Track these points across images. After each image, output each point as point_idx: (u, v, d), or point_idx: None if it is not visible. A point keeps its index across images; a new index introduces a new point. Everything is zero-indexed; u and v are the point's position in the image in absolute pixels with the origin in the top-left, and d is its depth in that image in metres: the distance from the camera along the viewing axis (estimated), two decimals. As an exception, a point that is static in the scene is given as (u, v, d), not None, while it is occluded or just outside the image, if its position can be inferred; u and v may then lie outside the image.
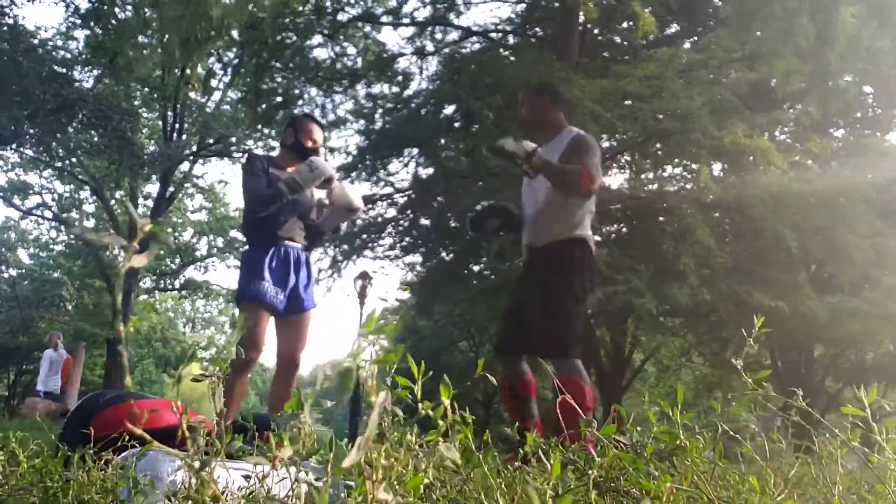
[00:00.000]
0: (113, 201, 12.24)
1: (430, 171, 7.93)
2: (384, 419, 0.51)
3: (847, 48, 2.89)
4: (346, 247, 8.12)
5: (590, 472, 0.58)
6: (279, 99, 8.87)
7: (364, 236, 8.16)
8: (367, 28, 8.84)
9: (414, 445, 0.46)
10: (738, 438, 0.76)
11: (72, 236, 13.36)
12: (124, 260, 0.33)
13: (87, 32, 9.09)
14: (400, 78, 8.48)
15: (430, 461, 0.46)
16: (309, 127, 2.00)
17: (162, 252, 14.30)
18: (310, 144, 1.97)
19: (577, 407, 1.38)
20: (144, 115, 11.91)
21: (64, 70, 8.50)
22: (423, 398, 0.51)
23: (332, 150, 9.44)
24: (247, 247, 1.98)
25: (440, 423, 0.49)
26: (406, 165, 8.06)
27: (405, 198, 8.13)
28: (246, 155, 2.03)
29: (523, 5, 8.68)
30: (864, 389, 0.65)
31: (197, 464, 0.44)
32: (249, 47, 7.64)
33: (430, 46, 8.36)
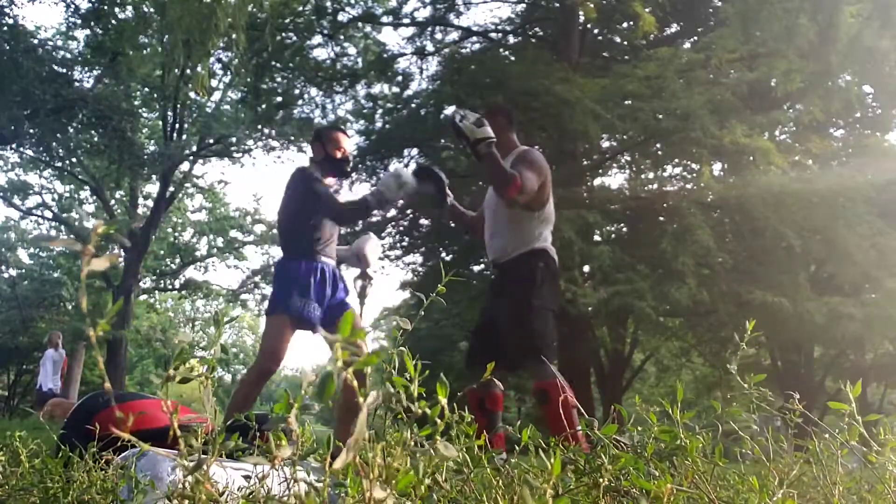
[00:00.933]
0: (113, 201, 12.25)
1: (430, 171, 7.91)
2: (384, 419, 0.51)
3: (849, 48, 2.89)
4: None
5: (595, 473, 0.58)
6: (279, 99, 8.86)
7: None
8: (368, 28, 8.84)
9: (410, 444, 0.46)
10: (739, 438, 0.76)
11: (73, 236, 13.35)
12: (83, 264, 0.34)
13: (87, 32, 9.09)
14: (400, 78, 8.48)
15: (428, 461, 0.46)
16: (336, 137, 1.97)
17: (162, 252, 14.32)
18: (339, 155, 1.95)
19: (570, 409, 1.41)
20: (144, 115, 11.91)
21: (64, 70, 8.49)
22: (422, 398, 0.50)
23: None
24: (282, 258, 1.93)
25: (437, 421, 0.49)
26: (406, 166, 8.06)
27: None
28: (297, 168, 1.94)
29: (523, 5, 8.67)
30: (848, 386, 0.65)
31: (190, 463, 0.44)
32: (250, 47, 7.64)
33: (430, 47, 8.37)
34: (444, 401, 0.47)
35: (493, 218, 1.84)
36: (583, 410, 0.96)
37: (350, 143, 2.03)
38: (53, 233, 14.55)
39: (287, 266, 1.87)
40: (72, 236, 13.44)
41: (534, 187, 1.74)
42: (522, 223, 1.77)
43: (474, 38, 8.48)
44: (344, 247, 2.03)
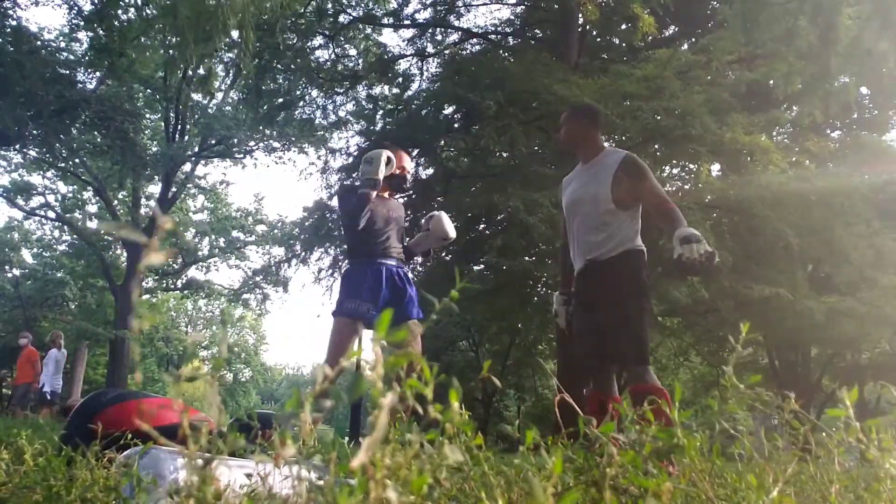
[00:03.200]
0: (116, 202, 12.29)
1: (431, 171, 7.94)
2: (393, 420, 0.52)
3: (849, 50, 2.89)
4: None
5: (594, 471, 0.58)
6: (280, 100, 8.89)
7: (365, 237, 8.13)
8: (368, 30, 8.87)
9: (415, 445, 0.46)
10: (736, 436, 0.76)
11: (75, 237, 13.40)
12: (142, 258, 0.34)
13: (91, 34, 9.13)
14: (401, 79, 8.50)
15: (433, 462, 0.47)
16: (400, 157, 2.21)
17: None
18: (397, 172, 2.18)
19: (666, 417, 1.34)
20: (147, 116, 11.95)
21: (67, 71, 8.53)
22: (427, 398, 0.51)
23: (332, 152, 9.48)
24: (347, 264, 2.21)
25: (447, 426, 0.49)
26: (407, 166, 8.06)
27: (405, 198, 8.16)
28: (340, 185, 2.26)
29: (522, 7, 8.69)
30: (845, 389, 0.65)
31: (200, 462, 0.45)
32: (252, 48, 7.64)
33: (430, 48, 8.39)
34: (456, 405, 0.48)
35: (587, 216, 1.79)
36: (579, 410, 0.96)
37: (409, 161, 2.26)
38: (57, 233, 14.60)
39: (346, 271, 2.14)
40: (75, 237, 13.49)
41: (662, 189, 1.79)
42: (621, 220, 1.75)
43: (474, 40, 8.50)
44: (422, 233, 2.23)
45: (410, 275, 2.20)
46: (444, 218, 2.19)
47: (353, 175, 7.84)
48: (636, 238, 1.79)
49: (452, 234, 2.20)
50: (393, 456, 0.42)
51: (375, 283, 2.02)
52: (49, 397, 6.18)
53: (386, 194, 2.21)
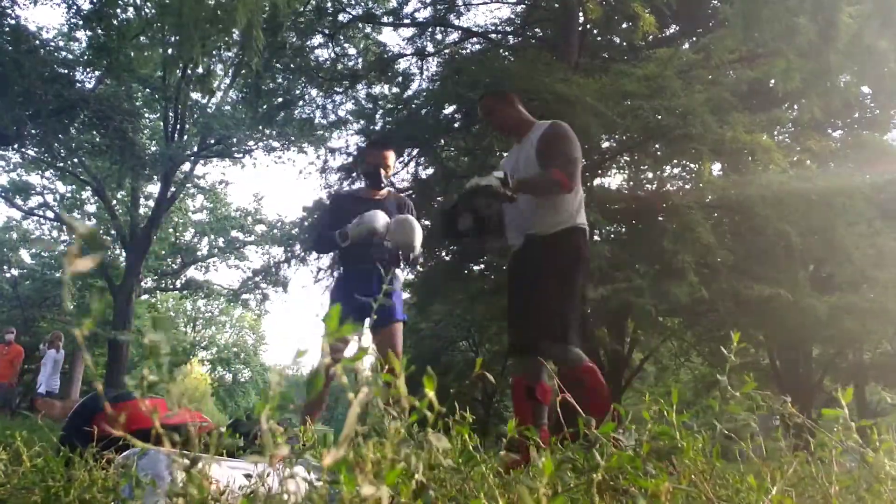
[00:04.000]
0: (115, 202, 12.27)
1: (430, 171, 7.93)
2: (382, 417, 0.51)
3: (849, 47, 2.89)
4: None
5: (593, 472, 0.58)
6: (280, 99, 8.88)
7: (365, 236, 8.12)
8: (368, 29, 8.86)
9: (398, 436, 0.46)
10: (736, 438, 0.76)
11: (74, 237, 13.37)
12: (65, 264, 0.34)
13: (89, 33, 9.11)
14: (400, 79, 8.49)
15: (421, 456, 0.46)
16: (368, 152, 2.29)
17: (163, 252, 14.34)
18: (365, 168, 2.27)
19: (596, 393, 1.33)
20: (146, 115, 11.93)
21: (66, 71, 8.52)
22: (419, 396, 0.51)
23: (332, 151, 9.47)
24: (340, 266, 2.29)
25: (427, 413, 0.49)
26: (406, 165, 8.06)
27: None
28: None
29: (523, 6, 8.69)
30: (839, 389, 0.65)
31: (187, 462, 0.44)
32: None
33: (430, 47, 8.38)
34: (431, 393, 0.47)
35: (522, 197, 1.69)
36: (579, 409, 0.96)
37: (377, 154, 2.24)
38: (56, 233, 14.60)
39: (338, 275, 2.28)
40: (73, 237, 13.46)
41: (577, 170, 1.69)
42: (565, 197, 1.69)
43: (474, 39, 8.49)
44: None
45: (399, 275, 2.20)
46: (408, 224, 1.99)
47: (353, 176, 7.81)
48: (577, 215, 1.72)
49: (417, 244, 1.98)
50: (376, 451, 0.42)
51: (348, 287, 2.11)
52: (45, 396, 6.15)
53: (379, 195, 2.23)
